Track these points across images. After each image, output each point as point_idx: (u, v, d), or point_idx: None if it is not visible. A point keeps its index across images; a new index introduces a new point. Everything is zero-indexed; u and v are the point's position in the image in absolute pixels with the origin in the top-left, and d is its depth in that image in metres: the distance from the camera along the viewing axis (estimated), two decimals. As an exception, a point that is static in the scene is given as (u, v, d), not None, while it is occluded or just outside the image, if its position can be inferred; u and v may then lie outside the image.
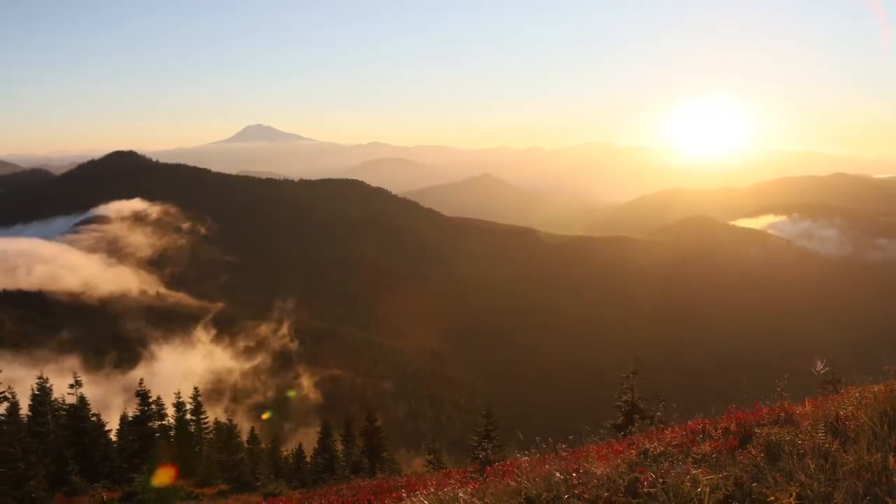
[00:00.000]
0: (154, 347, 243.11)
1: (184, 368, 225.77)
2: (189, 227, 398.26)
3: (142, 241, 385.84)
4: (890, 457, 7.52)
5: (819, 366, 14.51)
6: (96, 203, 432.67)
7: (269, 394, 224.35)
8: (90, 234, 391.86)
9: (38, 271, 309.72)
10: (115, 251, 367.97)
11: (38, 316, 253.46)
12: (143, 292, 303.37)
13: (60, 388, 55.25)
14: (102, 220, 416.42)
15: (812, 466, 7.77)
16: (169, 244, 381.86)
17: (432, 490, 12.10)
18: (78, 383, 54.06)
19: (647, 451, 10.84)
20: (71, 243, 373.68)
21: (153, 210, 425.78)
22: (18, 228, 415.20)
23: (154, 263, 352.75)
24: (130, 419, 55.82)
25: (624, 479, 8.66)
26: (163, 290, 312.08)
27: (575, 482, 8.98)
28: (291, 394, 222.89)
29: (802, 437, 9.13)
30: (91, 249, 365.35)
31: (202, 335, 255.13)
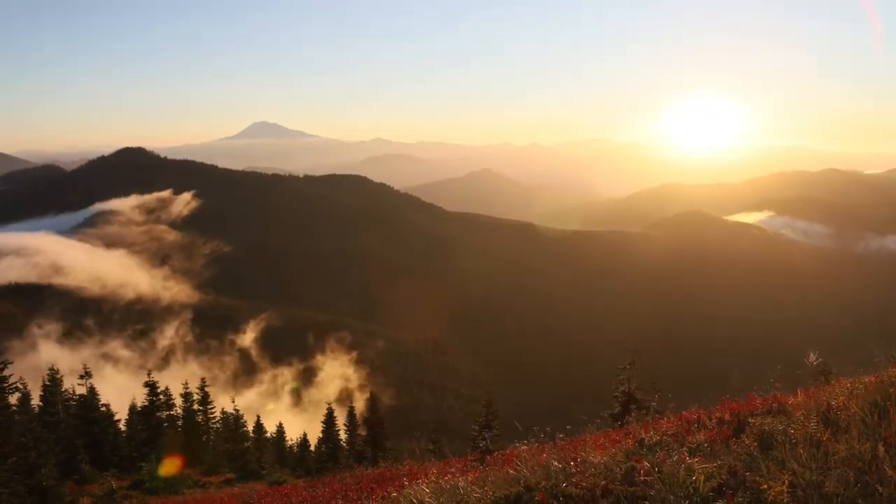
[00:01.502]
0: (156, 341, 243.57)
1: (184, 361, 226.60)
2: (196, 223, 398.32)
3: (149, 235, 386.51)
4: (880, 446, 7.52)
5: (812, 357, 14.50)
6: (106, 198, 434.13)
7: (274, 384, 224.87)
8: (100, 229, 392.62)
9: (49, 265, 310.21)
10: (123, 245, 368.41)
11: (49, 308, 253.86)
12: (150, 285, 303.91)
13: (71, 380, 55.42)
14: (112, 214, 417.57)
15: (804, 455, 7.77)
16: (176, 238, 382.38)
17: (433, 478, 12.10)
18: (88, 374, 54.18)
19: (643, 440, 10.84)
20: (81, 237, 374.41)
21: (161, 205, 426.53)
22: (30, 223, 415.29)
23: (161, 257, 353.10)
24: (139, 409, 55.93)
25: (621, 468, 8.67)
26: (168, 283, 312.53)
27: (573, 471, 8.98)
28: (295, 385, 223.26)
29: (795, 426, 9.12)
30: (100, 243, 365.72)
31: (206, 329, 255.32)
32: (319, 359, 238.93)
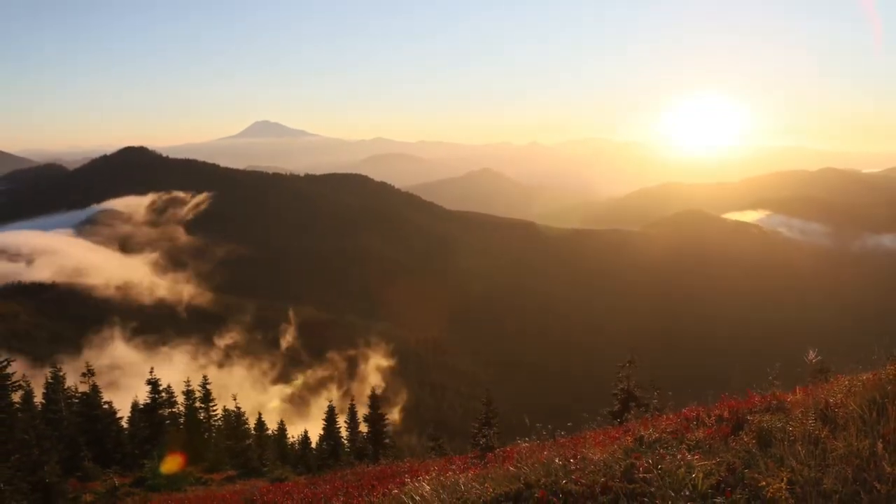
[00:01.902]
0: (163, 337, 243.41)
1: (186, 360, 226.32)
2: (198, 221, 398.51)
3: (152, 234, 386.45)
4: (878, 443, 7.52)
5: (811, 355, 14.51)
6: (108, 197, 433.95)
7: (276, 382, 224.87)
8: (103, 228, 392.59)
9: (52, 264, 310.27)
10: (126, 244, 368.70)
11: (52, 307, 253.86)
12: (153, 284, 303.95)
13: (73, 379, 55.46)
14: (114, 213, 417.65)
15: (802, 453, 7.78)
16: (178, 237, 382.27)
17: (434, 475, 12.12)
18: (90, 372, 54.22)
19: (642, 437, 10.86)
20: (84, 236, 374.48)
21: (163, 204, 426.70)
22: (33, 222, 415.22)
23: (164, 255, 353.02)
24: (141, 406, 55.99)
25: (620, 465, 8.68)
26: (172, 281, 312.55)
27: (573, 468, 8.99)
28: (297, 382, 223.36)
29: (793, 424, 9.14)
30: (103, 242, 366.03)
31: (207, 325, 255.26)
32: (321, 355, 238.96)
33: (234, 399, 62.28)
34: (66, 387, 53.03)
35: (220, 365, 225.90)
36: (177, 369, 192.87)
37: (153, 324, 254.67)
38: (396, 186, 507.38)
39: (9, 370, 35.92)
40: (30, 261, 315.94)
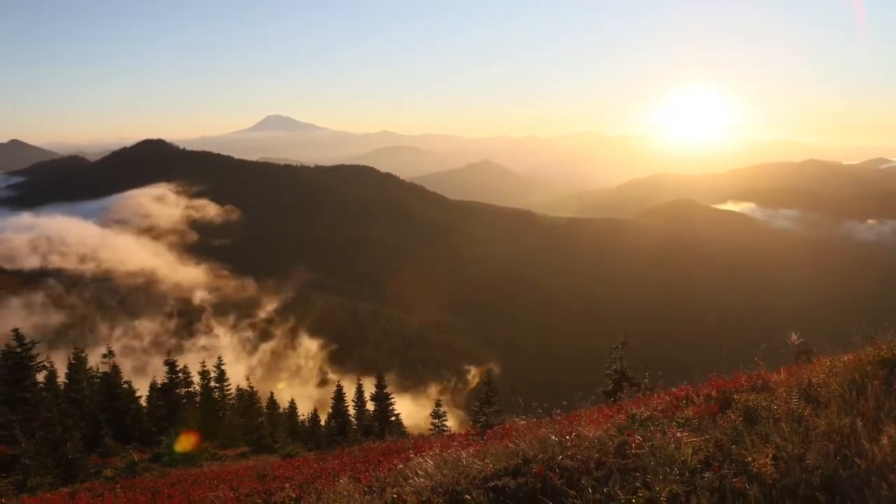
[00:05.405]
0: (171, 323, 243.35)
1: (199, 342, 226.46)
2: (213, 210, 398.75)
3: (168, 223, 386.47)
4: (858, 421, 7.53)
5: (794, 337, 14.49)
6: (128, 187, 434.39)
7: (286, 364, 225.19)
8: (122, 216, 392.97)
9: (74, 251, 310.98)
10: (144, 231, 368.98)
11: (74, 292, 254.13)
12: (170, 269, 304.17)
13: (95, 361, 55.67)
14: (134, 202, 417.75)
15: (787, 430, 7.78)
16: (193, 225, 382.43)
17: (437, 451, 12.11)
18: (111, 353, 54.37)
19: (634, 415, 10.84)
20: (105, 225, 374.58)
21: (180, 194, 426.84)
22: (56, 211, 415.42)
23: (179, 243, 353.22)
24: (159, 386, 56.21)
25: (614, 442, 8.67)
26: (186, 267, 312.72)
27: (568, 444, 8.98)
28: (308, 364, 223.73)
29: (778, 402, 9.13)
30: (123, 230, 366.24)
31: (218, 311, 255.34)
32: (330, 338, 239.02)
33: (248, 379, 62.43)
34: (87, 367, 53.25)
35: (235, 350, 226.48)
36: (192, 355, 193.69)
37: (164, 304, 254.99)
38: (401, 178, 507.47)
39: (33, 351, 36.00)
40: (52, 247, 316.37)
